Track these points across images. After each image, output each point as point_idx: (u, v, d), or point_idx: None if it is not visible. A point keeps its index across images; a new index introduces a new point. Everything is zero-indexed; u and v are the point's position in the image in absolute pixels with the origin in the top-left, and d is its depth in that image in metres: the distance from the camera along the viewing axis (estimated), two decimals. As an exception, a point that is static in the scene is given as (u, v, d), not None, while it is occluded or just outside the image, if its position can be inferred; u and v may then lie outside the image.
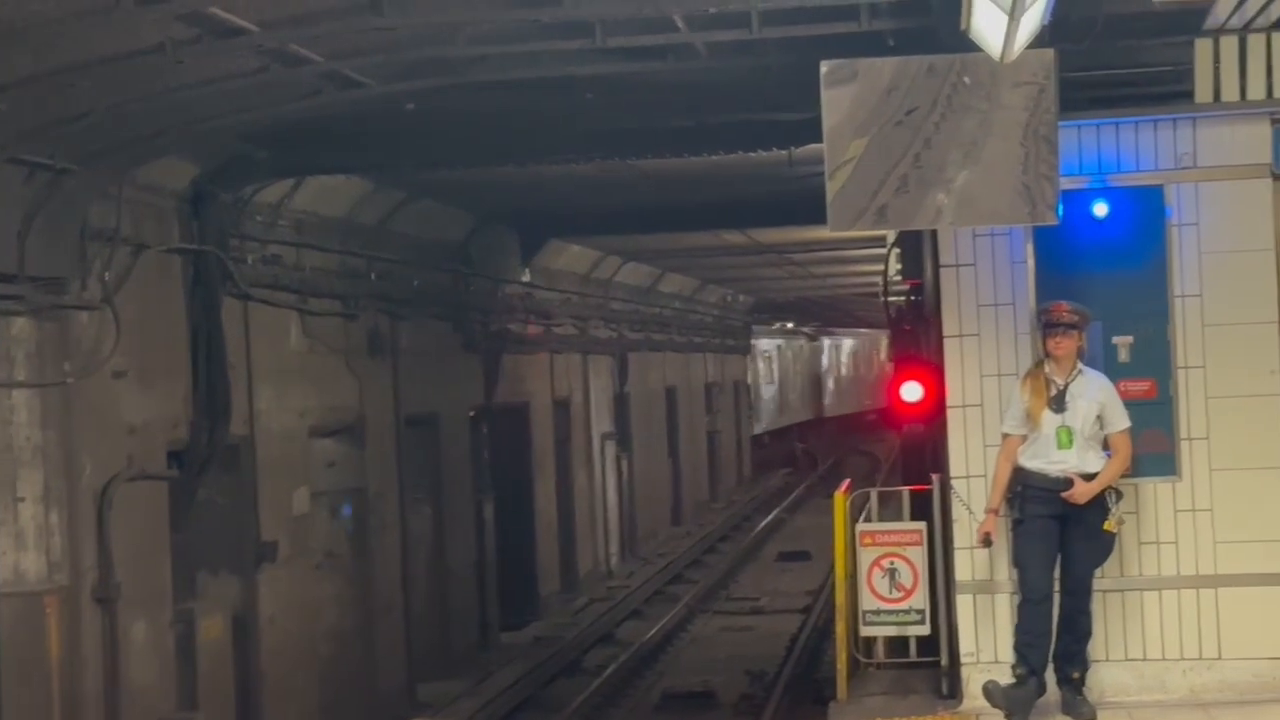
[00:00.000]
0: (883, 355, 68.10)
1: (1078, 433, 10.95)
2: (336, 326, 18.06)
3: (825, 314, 57.28)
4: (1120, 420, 11.04)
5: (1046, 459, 10.98)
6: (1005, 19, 8.38)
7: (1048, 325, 11.04)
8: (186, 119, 12.34)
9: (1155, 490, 11.49)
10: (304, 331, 17.31)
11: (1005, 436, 11.17)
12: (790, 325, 57.62)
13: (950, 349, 11.68)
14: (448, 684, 20.59)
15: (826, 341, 62.66)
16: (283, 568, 16.38)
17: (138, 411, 14.00)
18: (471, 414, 22.82)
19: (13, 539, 12.36)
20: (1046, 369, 11.07)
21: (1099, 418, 11.00)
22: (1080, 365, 11.07)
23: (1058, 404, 10.98)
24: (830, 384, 63.34)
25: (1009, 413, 11.19)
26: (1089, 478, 10.91)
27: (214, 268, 14.98)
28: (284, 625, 16.54)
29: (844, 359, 66.30)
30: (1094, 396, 11.00)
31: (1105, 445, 11.05)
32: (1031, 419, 11.02)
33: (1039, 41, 9.47)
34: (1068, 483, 10.91)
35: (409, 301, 19.88)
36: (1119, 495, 10.98)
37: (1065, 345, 10.98)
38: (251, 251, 15.94)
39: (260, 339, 16.16)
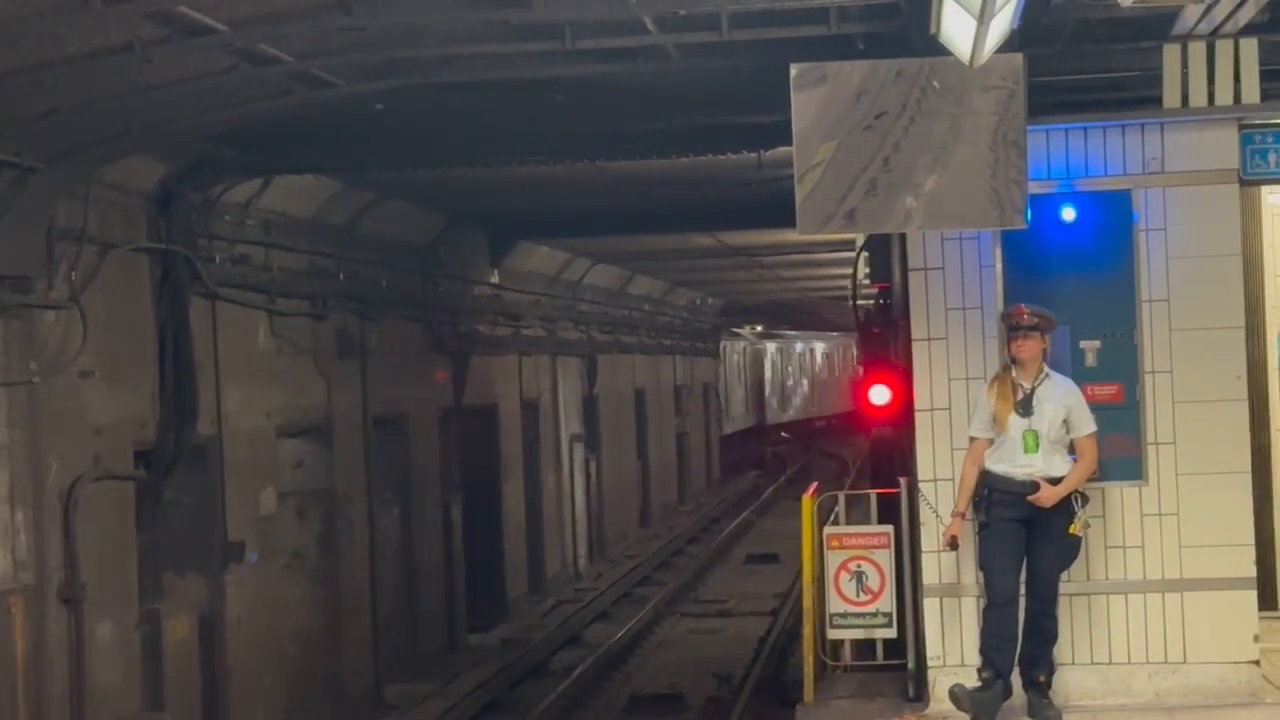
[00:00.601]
0: (839, 359, 67.19)
1: (1044, 436, 10.97)
2: (305, 327, 18.01)
3: (795, 317, 56.96)
4: (1086, 424, 11.05)
5: (1012, 462, 10.99)
6: (974, 23, 8.39)
7: (1010, 329, 11.06)
8: (155, 118, 12.29)
9: (1121, 494, 11.50)
10: (272, 331, 17.27)
11: (972, 440, 11.18)
12: (748, 329, 56.29)
13: (918, 352, 11.68)
14: (415, 685, 20.56)
15: (770, 345, 59.49)
16: (250, 568, 16.33)
17: (104, 411, 13.95)
18: (440, 415, 22.78)
19: (-22, 538, 12.32)
20: (1013, 373, 11.09)
21: (1065, 422, 11.00)
22: (1047, 369, 11.08)
23: (1024, 408, 10.99)
24: (774, 390, 60.17)
25: (976, 416, 11.20)
26: (1055, 481, 10.92)
27: (182, 267, 14.94)
28: (251, 626, 16.49)
29: (791, 363, 63.10)
30: (1060, 400, 11.02)
31: (1071, 449, 11.08)
32: (998, 422, 11.03)
33: (1008, 46, 9.47)
34: (1034, 486, 10.91)
35: (378, 302, 19.85)
36: (1085, 499, 10.99)
37: (1028, 348, 10.98)
38: (220, 251, 15.89)
39: (228, 339, 16.12)
